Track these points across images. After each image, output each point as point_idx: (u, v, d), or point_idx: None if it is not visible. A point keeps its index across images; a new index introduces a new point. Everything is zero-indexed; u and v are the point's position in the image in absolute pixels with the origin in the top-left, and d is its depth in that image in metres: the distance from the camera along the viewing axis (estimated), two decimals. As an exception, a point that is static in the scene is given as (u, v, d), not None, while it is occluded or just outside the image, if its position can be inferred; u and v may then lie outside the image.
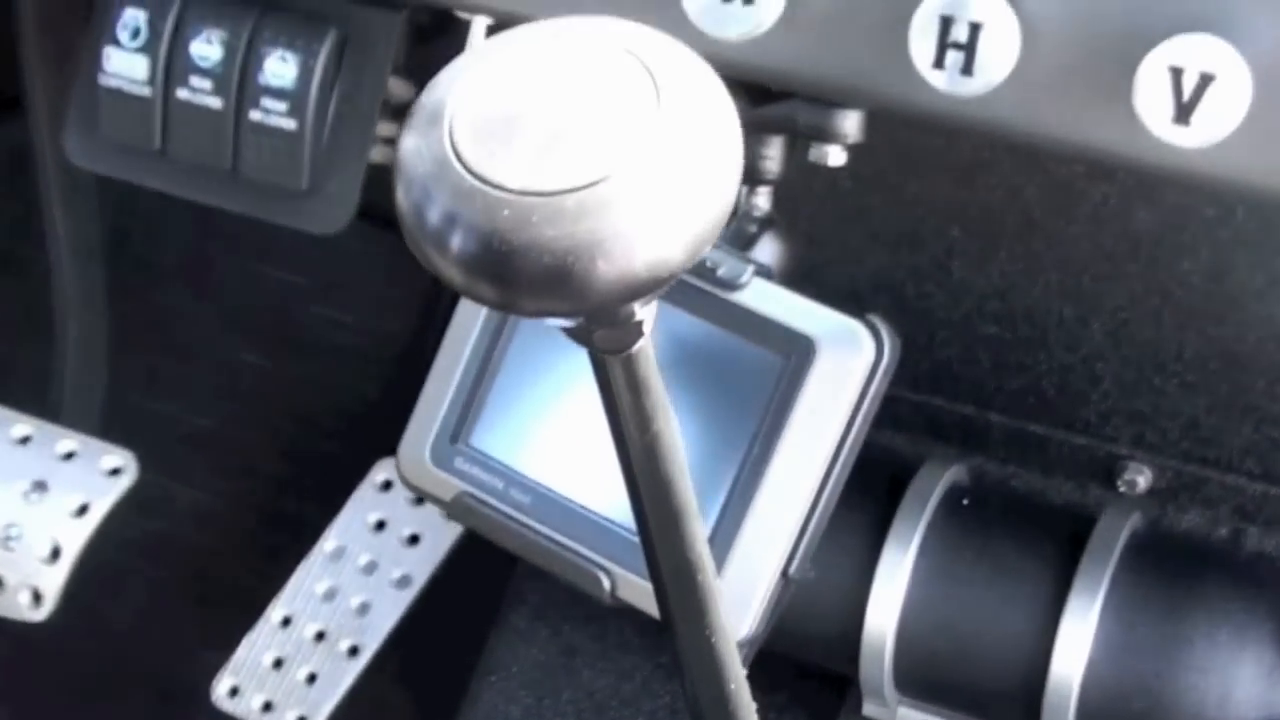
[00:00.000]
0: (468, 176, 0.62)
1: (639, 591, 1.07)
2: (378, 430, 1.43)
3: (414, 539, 1.61)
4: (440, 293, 1.62)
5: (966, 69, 1.00)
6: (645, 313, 0.67)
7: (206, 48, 1.28)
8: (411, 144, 0.64)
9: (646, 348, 0.68)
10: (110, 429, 1.73)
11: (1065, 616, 1.25)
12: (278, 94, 1.27)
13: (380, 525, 1.62)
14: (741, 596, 1.07)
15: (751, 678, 0.84)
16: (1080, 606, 1.25)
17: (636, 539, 0.78)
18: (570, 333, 0.67)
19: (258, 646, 1.60)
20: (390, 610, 1.58)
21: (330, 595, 1.60)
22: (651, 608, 0.81)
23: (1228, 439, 1.37)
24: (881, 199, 1.40)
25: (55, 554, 1.59)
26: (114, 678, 1.73)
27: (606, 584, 1.10)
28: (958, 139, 1.30)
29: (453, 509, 1.14)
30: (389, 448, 1.20)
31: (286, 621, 1.60)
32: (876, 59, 1.03)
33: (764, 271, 1.11)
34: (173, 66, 1.29)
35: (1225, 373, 1.35)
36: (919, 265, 1.41)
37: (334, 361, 1.78)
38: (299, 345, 1.79)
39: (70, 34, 1.53)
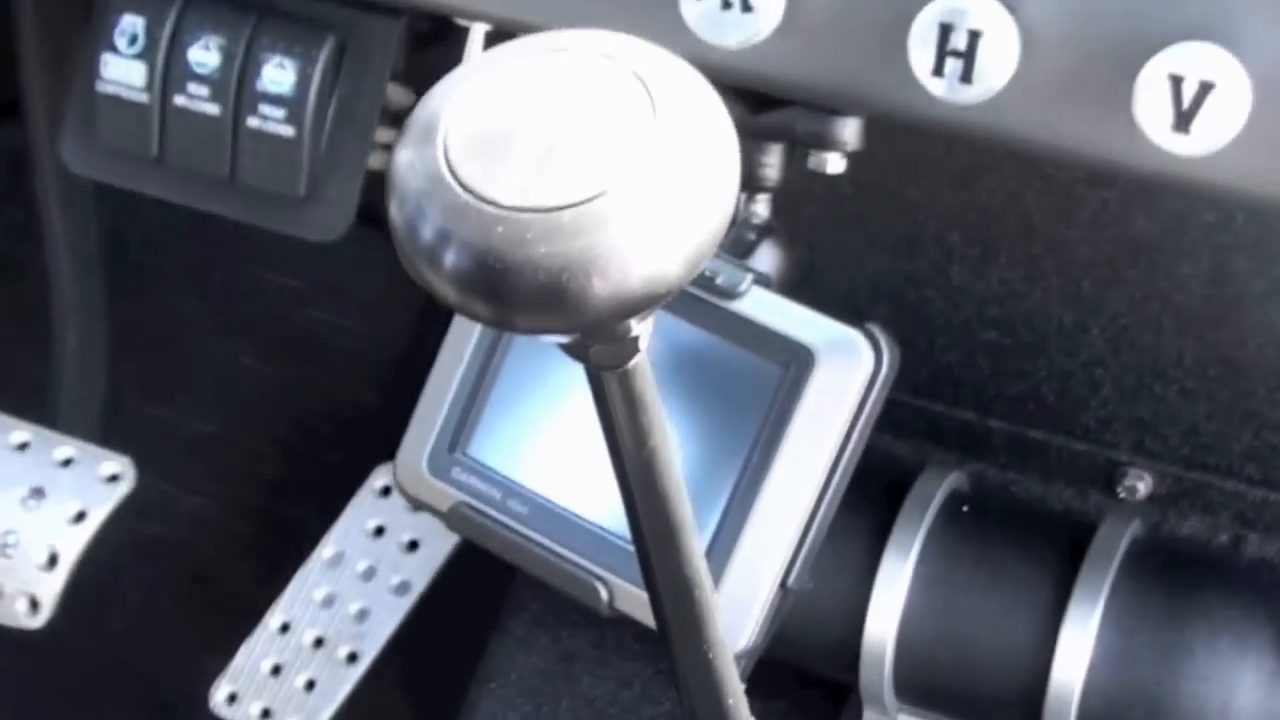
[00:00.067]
0: (462, 193, 0.62)
1: (637, 602, 1.07)
2: (377, 435, 1.43)
3: (413, 545, 1.61)
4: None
5: (966, 76, 1.00)
6: (642, 328, 0.67)
7: (204, 54, 1.27)
8: (405, 159, 0.64)
9: (643, 363, 0.68)
10: (109, 434, 1.73)
11: (1066, 624, 1.25)
12: (276, 100, 1.27)
13: (379, 531, 1.62)
14: (740, 607, 1.06)
15: (751, 685, 0.83)
16: (1081, 614, 1.25)
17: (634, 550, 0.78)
18: (566, 348, 0.67)
19: (256, 653, 1.59)
20: (389, 617, 1.58)
21: (329, 601, 1.60)
22: (650, 619, 0.81)
23: (1228, 445, 1.37)
24: (881, 204, 1.39)
25: (52, 561, 1.59)
26: (112, 684, 1.73)
27: (604, 595, 1.09)
28: (957, 144, 1.30)
29: (450, 519, 1.14)
30: (388, 453, 1.20)
31: (285, 628, 1.60)
32: (875, 66, 1.03)
33: (763, 280, 1.10)
34: (170, 73, 1.28)
35: (1225, 378, 1.35)
36: (918, 270, 1.40)
37: (333, 366, 1.77)
38: (298, 350, 1.78)
39: (69, 39, 1.53)
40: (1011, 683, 1.28)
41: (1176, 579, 1.29)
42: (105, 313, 1.79)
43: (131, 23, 1.29)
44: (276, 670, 1.59)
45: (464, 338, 1.15)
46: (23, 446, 1.64)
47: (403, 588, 1.59)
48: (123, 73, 1.29)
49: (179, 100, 1.28)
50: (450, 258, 0.62)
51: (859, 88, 1.05)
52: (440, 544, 1.59)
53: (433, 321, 1.63)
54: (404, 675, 1.63)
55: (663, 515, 0.73)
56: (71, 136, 1.35)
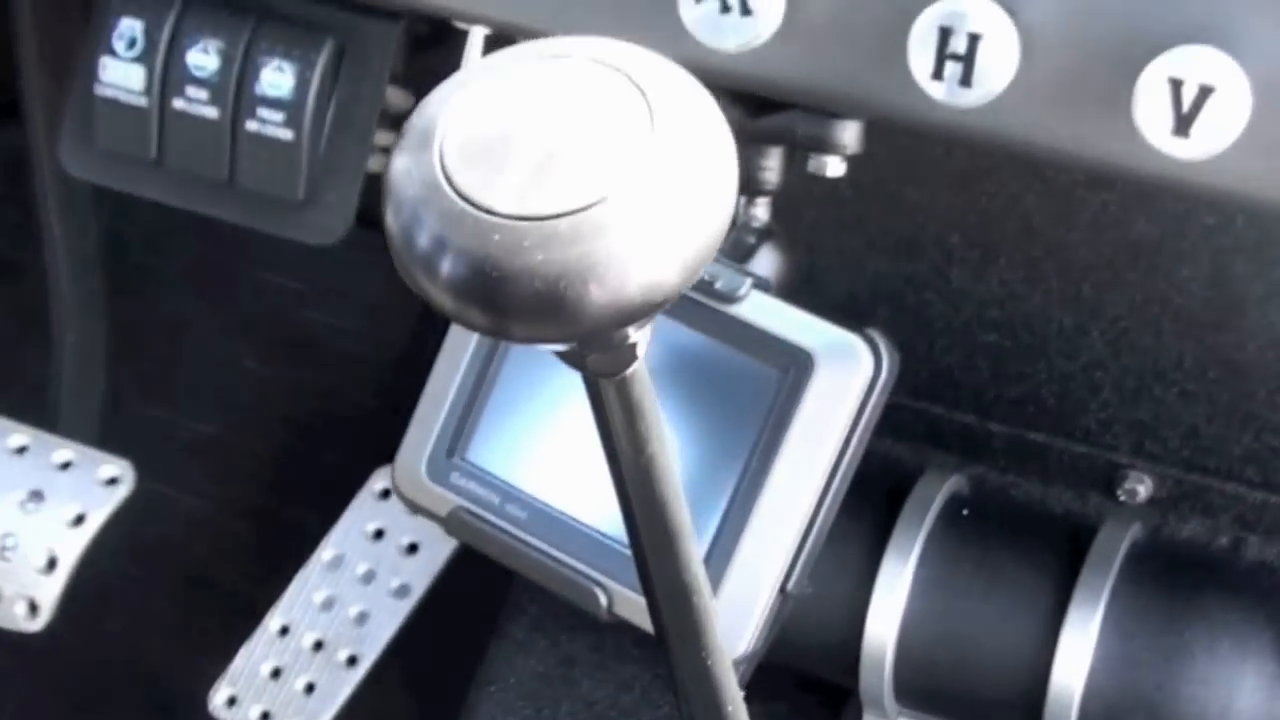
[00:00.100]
0: (458, 200, 0.61)
1: (636, 608, 1.07)
2: (377, 437, 1.43)
3: (413, 548, 1.61)
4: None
5: (965, 80, 0.99)
6: (640, 336, 0.66)
7: (203, 57, 1.27)
8: (401, 166, 0.63)
9: (641, 371, 0.68)
10: (108, 436, 1.73)
11: (1066, 628, 1.25)
12: (275, 104, 1.26)
13: (379, 534, 1.62)
14: (739, 613, 1.06)
15: (751, 688, 0.83)
16: (1081, 618, 1.25)
17: None
18: (563, 356, 0.67)
19: (255, 656, 1.59)
20: (389, 620, 1.58)
21: (328, 604, 1.60)
22: (649, 624, 0.80)
23: (1228, 447, 1.37)
24: (881, 206, 1.39)
25: (51, 564, 1.59)
26: (111, 687, 1.73)
27: (603, 600, 1.09)
28: (957, 147, 1.30)
29: (449, 524, 1.14)
30: (388, 455, 1.20)
31: (284, 631, 1.60)
32: (875, 70, 1.03)
33: (762, 284, 1.10)
34: (169, 76, 1.28)
35: (1225, 381, 1.35)
36: (918, 273, 1.40)
37: (333, 368, 1.77)
38: (298, 352, 1.78)
39: (68, 40, 1.53)
40: (1012, 686, 1.27)
41: (1177, 582, 1.29)
42: (105, 314, 1.79)
43: (130, 26, 1.29)
44: (276, 673, 1.59)
45: (462, 342, 1.15)
46: (21, 450, 1.64)
47: (402, 590, 1.59)
48: (121, 76, 1.29)
49: (178, 104, 1.28)
50: (446, 266, 0.62)
51: (858, 91, 1.04)
52: (440, 547, 1.59)
53: (433, 323, 1.63)
54: (404, 678, 1.63)
55: (661, 522, 0.73)
56: (70, 140, 1.34)
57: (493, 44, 1.17)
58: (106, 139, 1.31)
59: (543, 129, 0.62)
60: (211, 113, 1.27)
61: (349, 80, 1.27)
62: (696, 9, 1.03)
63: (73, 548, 1.58)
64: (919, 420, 1.45)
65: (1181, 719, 1.24)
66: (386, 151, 1.29)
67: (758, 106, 1.11)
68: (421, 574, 1.59)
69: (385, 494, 1.61)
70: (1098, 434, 1.40)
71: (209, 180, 1.29)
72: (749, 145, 1.14)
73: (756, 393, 1.07)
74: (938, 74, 1.00)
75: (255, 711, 1.58)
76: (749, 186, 1.15)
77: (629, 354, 0.67)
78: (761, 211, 1.18)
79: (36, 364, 1.78)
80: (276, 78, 1.26)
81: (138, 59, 1.29)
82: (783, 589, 1.07)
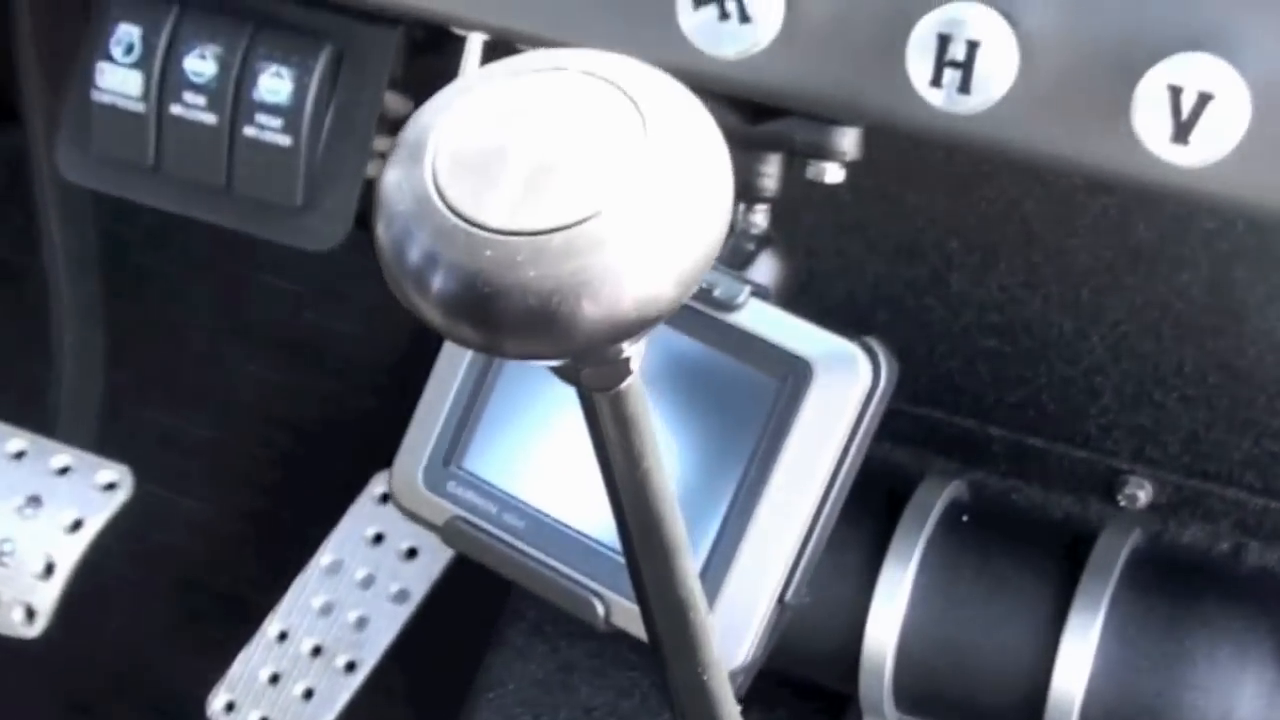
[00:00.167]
0: (450, 215, 0.61)
1: (634, 618, 1.06)
2: (375, 442, 1.42)
3: (412, 553, 1.60)
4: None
5: (964, 87, 0.99)
6: (634, 350, 0.66)
7: (201, 63, 1.27)
8: (393, 179, 0.63)
9: (636, 385, 0.67)
10: (106, 438, 1.73)
11: (1066, 634, 1.25)
12: (272, 110, 1.26)
13: (378, 539, 1.62)
14: (737, 624, 1.06)
15: (749, 695, 0.83)
16: (1081, 624, 1.25)
17: None
18: (557, 371, 0.66)
19: (254, 661, 1.59)
20: (388, 625, 1.58)
21: (327, 610, 1.60)
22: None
23: (1228, 453, 1.37)
24: (880, 211, 1.39)
25: (49, 570, 1.59)
26: (108, 692, 1.72)
27: (601, 610, 1.09)
28: (956, 152, 1.29)
29: (446, 533, 1.13)
30: (387, 460, 1.20)
31: (283, 636, 1.60)
32: (874, 76, 1.02)
33: (761, 292, 1.10)
34: (166, 82, 1.28)
35: (1225, 386, 1.34)
36: (918, 278, 1.40)
37: (332, 372, 1.77)
38: (297, 355, 1.78)
39: (67, 45, 1.53)
40: (1012, 692, 1.27)
41: (1177, 588, 1.28)
42: (103, 317, 1.79)
43: (128, 32, 1.28)
44: (275, 679, 1.59)
45: (459, 350, 1.15)
46: (19, 455, 1.64)
47: (401, 596, 1.59)
48: (119, 82, 1.29)
49: (175, 109, 1.28)
50: (438, 281, 0.61)
51: (857, 98, 1.04)
52: (439, 552, 1.58)
53: (432, 327, 1.63)
54: (402, 684, 1.62)
55: (656, 536, 0.73)
56: (67, 145, 1.34)
57: (491, 50, 1.17)
58: (104, 145, 1.31)
59: (535, 143, 0.62)
60: (209, 118, 1.27)
61: (347, 86, 1.27)
62: (695, 16, 1.03)
63: (70, 553, 1.58)
64: (919, 425, 1.44)
65: (1182, 726, 1.24)
66: (385, 157, 1.29)
67: (756, 113, 1.10)
68: (420, 579, 1.58)
69: (384, 498, 1.61)
70: (1098, 439, 1.40)
71: (207, 186, 1.29)
72: (747, 152, 1.13)
73: (754, 402, 1.07)
74: (936, 81, 0.99)
75: (254, 717, 1.58)
76: (747, 193, 1.15)
77: (623, 369, 0.66)
78: (760, 218, 1.17)
79: (35, 368, 1.77)
80: (274, 83, 1.26)
81: (135, 65, 1.28)
82: (781, 599, 1.06)
